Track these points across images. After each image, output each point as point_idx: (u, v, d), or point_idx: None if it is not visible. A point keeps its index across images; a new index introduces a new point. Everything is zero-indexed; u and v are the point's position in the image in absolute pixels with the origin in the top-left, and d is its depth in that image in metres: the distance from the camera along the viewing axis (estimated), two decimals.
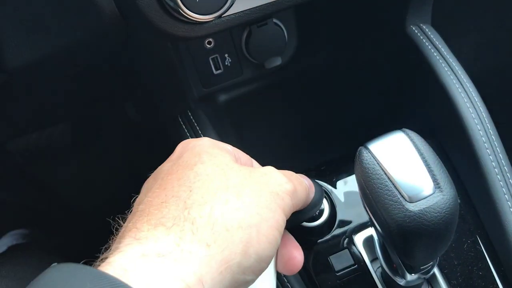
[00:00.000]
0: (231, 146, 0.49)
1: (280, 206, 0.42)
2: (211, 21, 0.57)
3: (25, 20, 0.61)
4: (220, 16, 0.57)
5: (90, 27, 0.61)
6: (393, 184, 0.48)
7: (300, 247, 0.50)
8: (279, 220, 0.42)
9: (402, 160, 0.48)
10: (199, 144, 0.45)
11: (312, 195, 0.51)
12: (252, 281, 0.40)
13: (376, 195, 0.48)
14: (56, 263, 0.35)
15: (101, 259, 0.37)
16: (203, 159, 0.43)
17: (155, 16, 0.55)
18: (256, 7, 0.60)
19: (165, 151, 0.48)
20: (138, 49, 0.72)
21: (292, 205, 0.44)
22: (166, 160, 0.46)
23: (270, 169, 0.46)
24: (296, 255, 0.49)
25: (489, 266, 0.64)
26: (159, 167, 0.45)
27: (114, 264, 0.35)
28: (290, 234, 0.50)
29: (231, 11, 0.58)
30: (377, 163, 0.49)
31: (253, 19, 0.62)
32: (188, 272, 0.35)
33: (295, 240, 0.50)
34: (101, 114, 1.25)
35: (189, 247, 0.36)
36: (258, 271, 0.40)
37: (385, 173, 0.48)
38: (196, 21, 0.56)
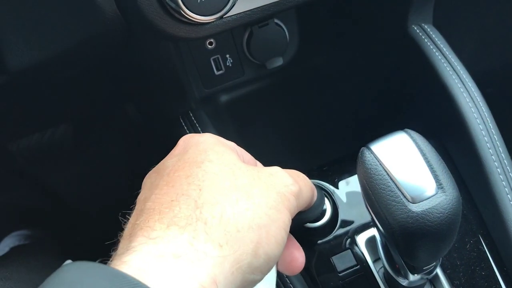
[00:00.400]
0: (234, 144, 0.49)
1: (287, 207, 0.43)
2: (213, 22, 0.57)
3: (27, 23, 0.61)
4: (221, 17, 0.57)
5: (91, 29, 0.61)
6: (396, 185, 0.47)
7: (301, 248, 0.50)
8: (286, 220, 0.42)
9: (404, 161, 0.48)
10: (203, 141, 0.45)
11: (315, 197, 0.51)
12: (260, 280, 0.41)
13: (379, 196, 0.48)
14: (70, 261, 0.35)
15: (113, 259, 0.37)
16: (210, 157, 0.43)
17: (156, 17, 0.55)
18: (258, 7, 0.59)
19: (166, 151, 0.47)
20: (139, 50, 0.72)
21: (297, 205, 0.45)
22: (169, 155, 0.46)
23: (276, 169, 0.46)
24: (298, 256, 0.49)
25: (492, 266, 0.64)
26: (162, 161, 0.45)
27: (130, 263, 0.35)
28: (291, 235, 0.51)
29: (232, 12, 0.58)
30: (380, 163, 0.49)
31: (255, 20, 0.62)
32: (202, 273, 0.36)
33: (296, 241, 0.51)
34: (102, 114, 1.26)
35: (203, 247, 0.37)
36: (266, 271, 0.41)
37: (388, 174, 0.48)
38: (197, 22, 0.55)
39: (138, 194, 0.44)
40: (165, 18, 0.55)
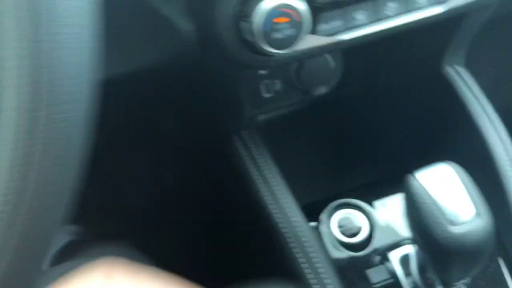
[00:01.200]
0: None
1: None
2: (281, 54, 0.65)
3: (112, 38, 0.68)
4: (292, 51, 0.64)
5: (170, 51, 0.68)
6: (438, 209, 0.55)
7: None
8: None
9: (446, 188, 0.56)
10: None
11: None
12: None
13: (423, 218, 0.55)
14: None
15: None
16: None
17: (235, 50, 0.62)
18: (318, 46, 0.67)
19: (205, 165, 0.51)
20: (205, 70, 0.79)
21: None
22: None
23: None
24: None
25: None
26: None
27: None
28: None
29: (298, 47, 0.65)
30: (424, 190, 0.57)
31: (313, 54, 0.69)
32: None
33: None
34: (135, 126, 1.31)
35: None
36: None
37: (431, 199, 0.56)
38: (269, 54, 0.63)
39: None
40: (242, 50, 0.63)
